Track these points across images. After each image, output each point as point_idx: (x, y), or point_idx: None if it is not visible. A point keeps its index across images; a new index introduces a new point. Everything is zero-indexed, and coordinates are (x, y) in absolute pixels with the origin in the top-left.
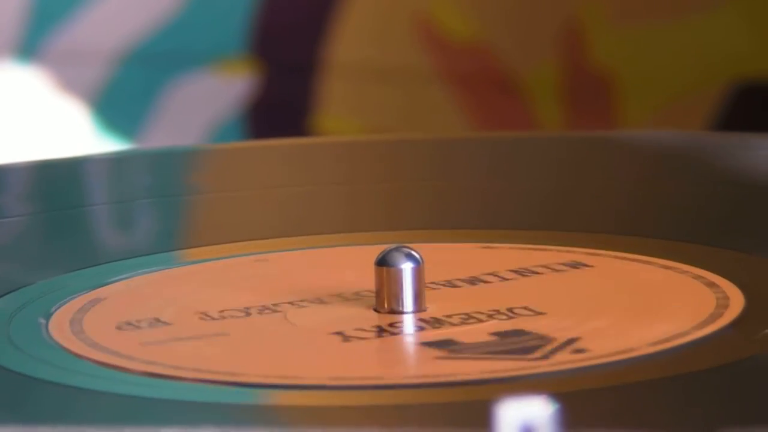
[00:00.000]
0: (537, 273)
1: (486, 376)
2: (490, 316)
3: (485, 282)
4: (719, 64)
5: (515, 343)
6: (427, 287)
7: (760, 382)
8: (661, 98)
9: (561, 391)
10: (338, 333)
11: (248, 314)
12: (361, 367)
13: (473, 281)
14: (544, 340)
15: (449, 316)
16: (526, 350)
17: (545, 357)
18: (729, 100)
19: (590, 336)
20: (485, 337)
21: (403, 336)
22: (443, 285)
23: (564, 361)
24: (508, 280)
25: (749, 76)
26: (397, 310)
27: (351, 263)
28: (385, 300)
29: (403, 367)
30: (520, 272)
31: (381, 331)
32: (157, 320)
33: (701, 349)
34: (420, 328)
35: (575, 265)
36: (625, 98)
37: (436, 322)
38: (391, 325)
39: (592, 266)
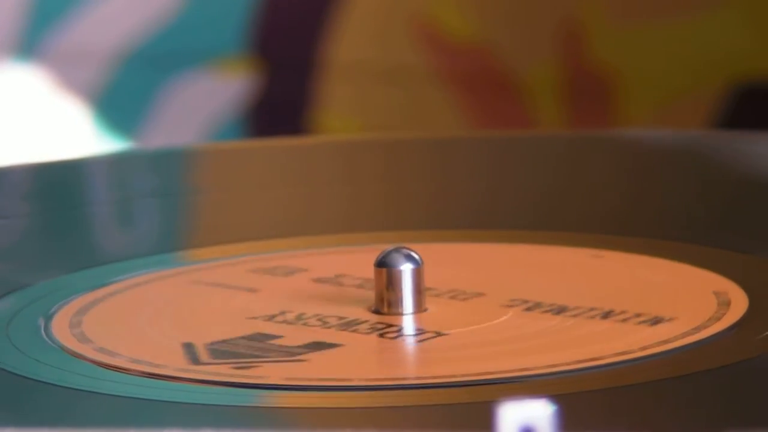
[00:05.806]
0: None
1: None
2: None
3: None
4: (719, 63)
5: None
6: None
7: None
8: (661, 97)
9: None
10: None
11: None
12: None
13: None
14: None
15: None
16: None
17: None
18: (729, 99)
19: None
20: (302, 341)
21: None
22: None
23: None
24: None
25: (749, 75)
26: (396, 312)
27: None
28: (385, 301)
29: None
30: None
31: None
32: None
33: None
34: (327, 325)
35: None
36: (624, 97)
37: (344, 325)
38: (295, 317)
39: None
